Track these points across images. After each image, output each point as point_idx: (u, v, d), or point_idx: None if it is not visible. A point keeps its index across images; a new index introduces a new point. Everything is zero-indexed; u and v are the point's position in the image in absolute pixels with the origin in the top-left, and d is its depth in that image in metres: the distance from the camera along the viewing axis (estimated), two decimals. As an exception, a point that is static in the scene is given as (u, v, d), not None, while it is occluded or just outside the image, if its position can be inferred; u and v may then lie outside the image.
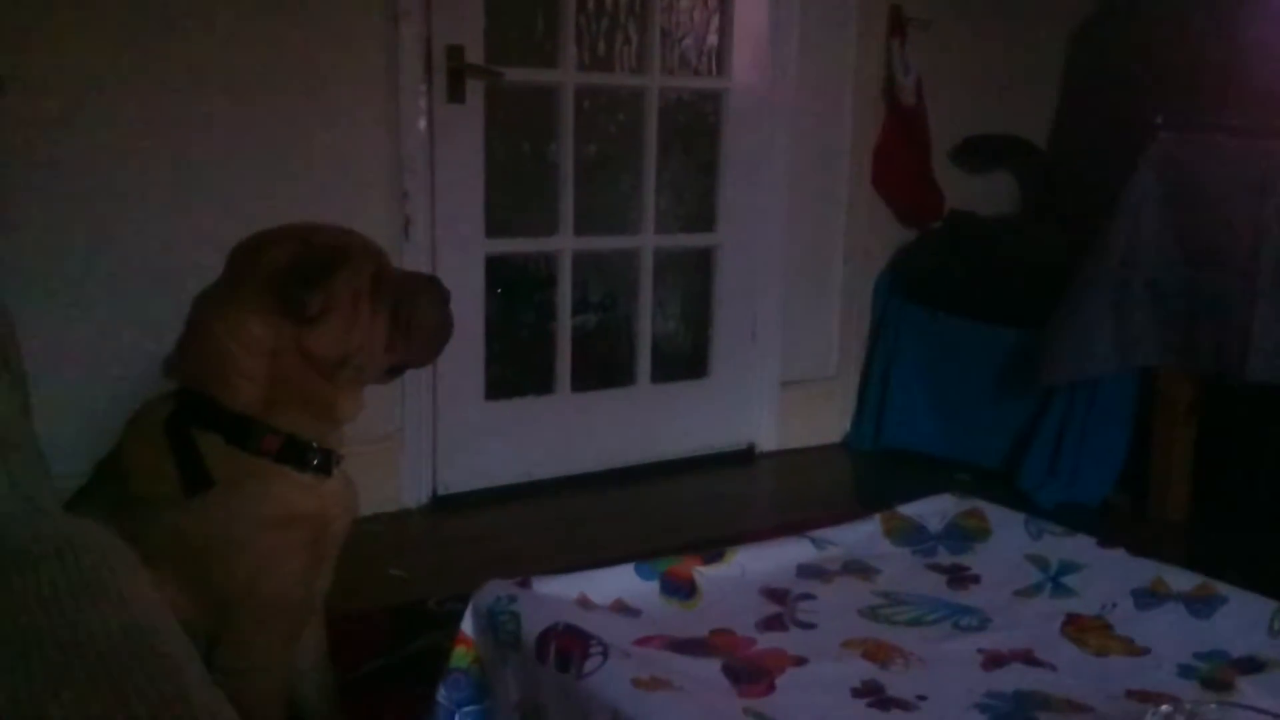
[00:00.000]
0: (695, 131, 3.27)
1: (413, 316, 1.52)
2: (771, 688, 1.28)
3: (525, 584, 1.42)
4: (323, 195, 2.53)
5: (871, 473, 3.31)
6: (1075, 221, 2.95)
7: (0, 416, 1.39)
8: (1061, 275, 2.85)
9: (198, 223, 2.39)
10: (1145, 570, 1.64)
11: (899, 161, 3.36)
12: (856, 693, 1.28)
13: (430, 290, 1.59)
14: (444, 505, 2.86)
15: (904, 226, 3.44)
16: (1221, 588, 1.58)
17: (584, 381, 3.10)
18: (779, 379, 3.36)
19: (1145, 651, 1.45)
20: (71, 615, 0.90)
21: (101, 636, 0.88)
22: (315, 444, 1.46)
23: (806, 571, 1.62)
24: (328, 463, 1.48)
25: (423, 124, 2.71)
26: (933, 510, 1.86)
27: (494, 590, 1.39)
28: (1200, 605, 1.55)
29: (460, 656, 1.37)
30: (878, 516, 1.82)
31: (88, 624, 0.90)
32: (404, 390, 2.73)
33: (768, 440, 3.37)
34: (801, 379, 3.40)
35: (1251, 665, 1.41)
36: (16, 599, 0.91)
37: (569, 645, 1.24)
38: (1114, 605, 1.56)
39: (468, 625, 1.38)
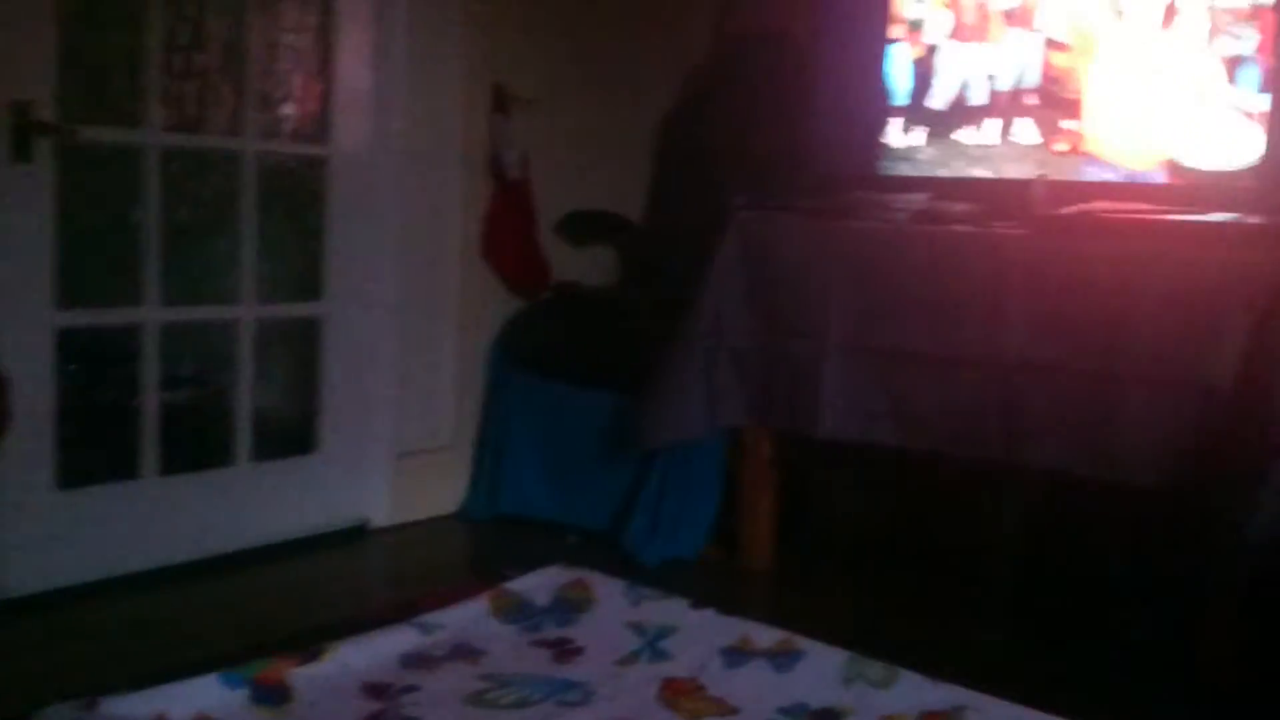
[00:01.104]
0: (298, 198, 3.16)
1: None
2: (368, 794, 1.23)
3: (93, 704, 1.27)
4: None
5: (488, 542, 3.30)
6: (669, 293, 3.12)
7: None
8: (657, 343, 3.01)
9: None
10: (733, 628, 1.75)
11: (506, 233, 3.42)
12: (456, 787, 1.26)
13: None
14: (7, 611, 2.53)
15: (513, 296, 3.50)
16: (800, 641, 1.71)
17: (175, 464, 2.86)
18: (393, 451, 3.29)
19: (735, 710, 1.53)
20: None
21: None
22: None
23: (411, 661, 1.58)
24: None
25: (-21, 185, 2.43)
26: (539, 583, 1.88)
27: (55, 715, 1.24)
28: (782, 660, 1.67)
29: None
30: (485, 595, 1.82)
31: None
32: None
33: (381, 515, 3.28)
34: (416, 449, 3.34)
35: (829, 716, 1.52)
36: None
37: (139, 776, 1.12)
38: (705, 666, 1.64)
39: (17, 764, 1.21)
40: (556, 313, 3.45)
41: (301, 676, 1.46)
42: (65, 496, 2.68)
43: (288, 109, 3.11)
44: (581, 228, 3.60)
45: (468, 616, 1.75)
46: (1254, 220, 2.37)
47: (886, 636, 1.78)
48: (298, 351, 3.23)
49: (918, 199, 2.86)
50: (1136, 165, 2.75)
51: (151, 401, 2.81)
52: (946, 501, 2.90)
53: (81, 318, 2.72)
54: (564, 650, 1.68)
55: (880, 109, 3.13)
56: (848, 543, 3.09)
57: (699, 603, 1.86)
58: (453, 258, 3.37)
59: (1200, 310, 2.27)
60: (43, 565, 2.60)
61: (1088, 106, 2.82)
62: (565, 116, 3.53)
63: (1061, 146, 2.85)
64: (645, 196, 3.82)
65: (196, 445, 2.98)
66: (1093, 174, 2.80)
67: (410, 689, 1.49)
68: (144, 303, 2.78)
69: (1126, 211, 2.53)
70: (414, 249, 3.27)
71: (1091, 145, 2.82)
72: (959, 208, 2.74)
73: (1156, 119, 2.72)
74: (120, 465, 2.80)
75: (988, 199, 2.76)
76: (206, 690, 1.39)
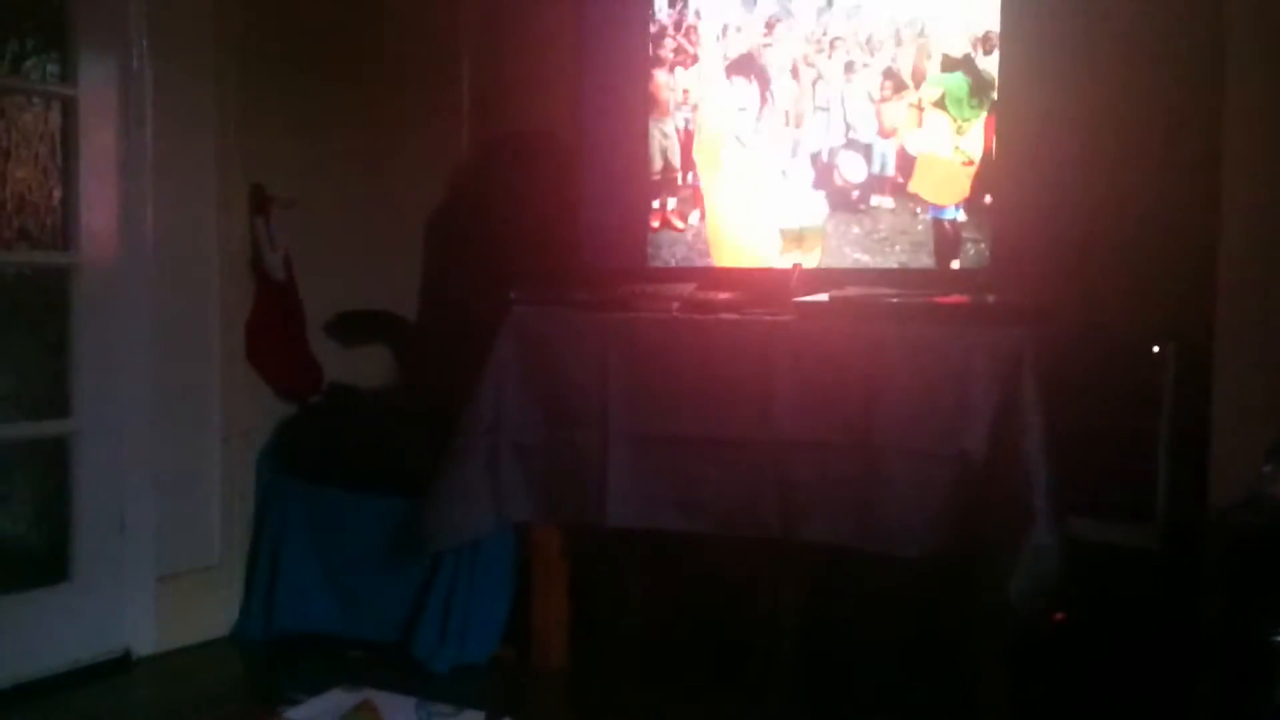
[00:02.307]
0: (40, 309, 2.97)
1: None
2: None
3: None
4: None
5: (265, 665, 3.12)
6: (447, 391, 3.09)
7: None
8: (438, 443, 2.95)
9: None
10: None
11: (272, 336, 3.31)
12: None
13: None
14: None
15: (283, 401, 3.37)
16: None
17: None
18: (154, 574, 3.09)
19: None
20: None
21: None
22: None
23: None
24: None
25: None
26: (321, 711, 1.79)
27: None
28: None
29: None
30: (261, 731, 1.71)
31: None
32: None
33: (145, 643, 3.06)
34: (181, 571, 3.15)
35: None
36: None
37: None
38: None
39: None
40: (331, 416, 3.34)
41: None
42: None
43: (26, 217, 2.92)
44: (352, 327, 3.52)
45: (243, 756, 1.64)
46: (991, 300, 2.56)
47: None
48: (45, 473, 3.01)
49: (686, 288, 2.95)
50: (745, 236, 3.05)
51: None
52: (733, 584, 2.95)
53: None
54: (351, 782, 1.60)
55: (645, 194, 3.22)
56: (642, 633, 3.09)
57: (493, 714, 1.82)
58: (214, 364, 3.23)
59: (951, 384, 2.43)
60: None
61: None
62: (330, 216, 3.48)
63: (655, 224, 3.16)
64: (419, 294, 3.78)
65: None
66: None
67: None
68: None
69: (877, 295, 2.68)
70: (172, 357, 3.11)
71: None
72: (724, 296, 2.84)
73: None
74: None
75: (748, 287, 2.88)
76: None
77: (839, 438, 2.54)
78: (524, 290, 3.01)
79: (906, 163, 2.81)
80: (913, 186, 2.80)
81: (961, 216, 2.74)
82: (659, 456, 2.78)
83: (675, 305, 2.86)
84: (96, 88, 2.97)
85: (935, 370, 2.45)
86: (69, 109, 2.94)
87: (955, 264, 2.75)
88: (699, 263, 3.11)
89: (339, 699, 1.83)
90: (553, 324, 2.94)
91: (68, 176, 2.94)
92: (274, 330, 3.30)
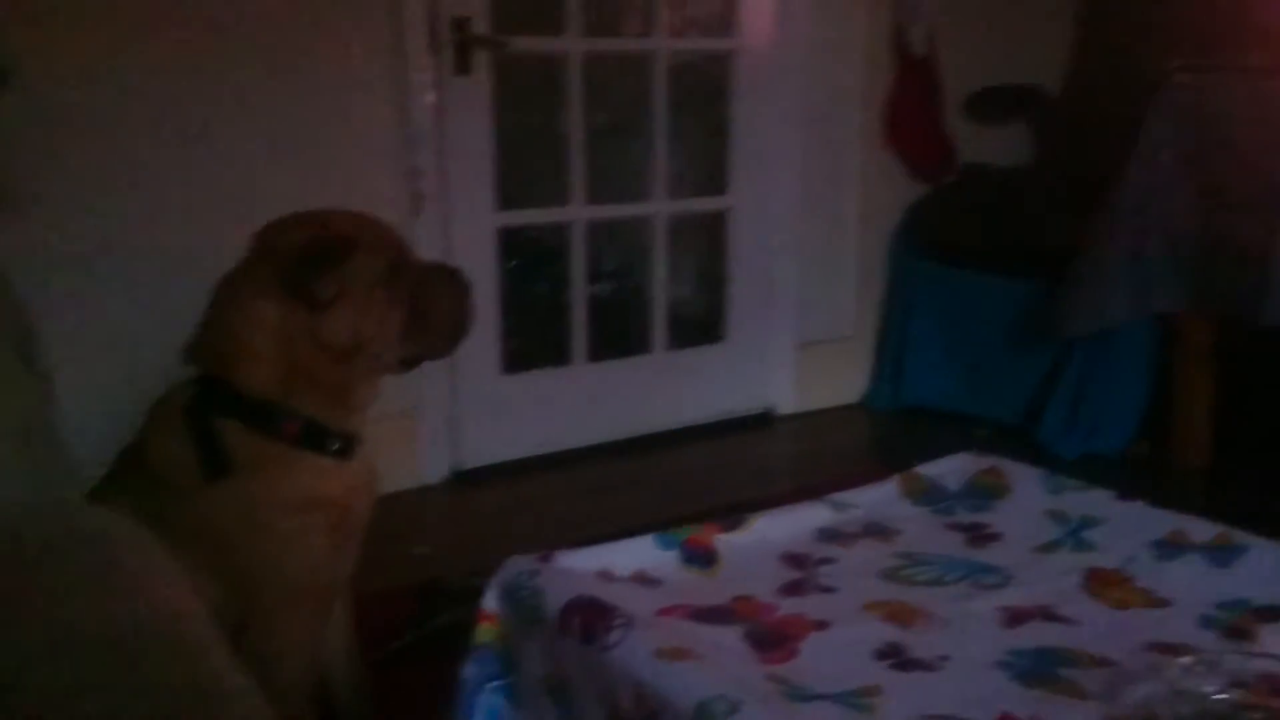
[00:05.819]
0: (705, 94, 3.25)
1: (430, 308, 1.51)
2: (794, 653, 1.29)
3: (547, 559, 1.42)
4: (333, 174, 2.53)
5: (891, 432, 3.31)
6: (1090, 170, 2.91)
7: (22, 409, 1.41)
8: (1077, 225, 2.82)
9: (209, 206, 2.41)
10: (1165, 521, 1.64)
11: (910, 115, 3.33)
12: (879, 655, 1.29)
13: (450, 282, 1.57)
14: (464, 480, 2.88)
15: (917, 182, 3.41)
16: (1241, 536, 1.58)
17: (601, 351, 3.10)
18: (796, 341, 3.35)
19: (1166, 603, 1.45)
20: (98, 606, 0.91)
21: (128, 625, 0.90)
22: (335, 428, 1.47)
23: (826, 535, 1.63)
24: (348, 446, 1.48)
25: (431, 98, 2.70)
26: (951, 469, 1.85)
27: (516, 566, 1.40)
28: (1220, 555, 1.55)
29: (484, 632, 1.39)
30: (896, 477, 1.82)
31: (114, 614, 0.91)
32: (421, 366, 2.74)
33: (786, 403, 3.37)
34: (819, 340, 3.39)
35: (1273, 614, 1.40)
36: (44, 592, 0.92)
37: (592, 618, 1.25)
38: (1134, 558, 1.55)
39: (490, 601, 1.39)
40: (964, 197, 3.32)
41: (726, 542, 1.55)
42: (508, 379, 2.99)
43: (695, 6, 3.17)
44: (992, 104, 3.42)
45: (879, 497, 1.75)
46: None
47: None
48: (706, 245, 3.35)
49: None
50: None
51: (580, 294, 3.04)
52: None
53: (518, 218, 2.98)
54: (978, 535, 1.65)
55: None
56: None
57: (1126, 495, 1.76)
58: (853, 145, 3.33)
59: None
60: (492, 441, 2.93)
61: None
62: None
63: None
64: (1063, 67, 3.55)
65: (619, 334, 3.21)
66: None
67: (826, 560, 1.53)
68: (570, 202, 2.99)
69: None
70: (817, 138, 3.26)
71: None
72: None
73: None
74: (554, 352, 3.07)
75: None
76: (644, 550, 1.50)
77: None
78: (1186, 58, 2.71)
79: None
80: None
81: None
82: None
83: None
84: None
85: None
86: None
87: None
88: None
89: (966, 461, 1.87)
90: (1219, 95, 2.64)
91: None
92: (911, 109, 3.31)
